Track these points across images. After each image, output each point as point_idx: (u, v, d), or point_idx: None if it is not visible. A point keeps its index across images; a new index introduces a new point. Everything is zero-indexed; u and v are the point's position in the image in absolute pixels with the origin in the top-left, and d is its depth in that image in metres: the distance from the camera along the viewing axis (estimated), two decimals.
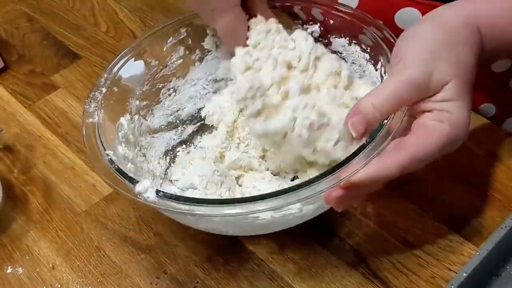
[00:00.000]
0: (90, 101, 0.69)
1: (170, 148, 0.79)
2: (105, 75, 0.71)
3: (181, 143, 0.79)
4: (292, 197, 0.56)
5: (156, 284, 0.68)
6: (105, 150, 0.64)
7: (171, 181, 0.75)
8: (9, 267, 0.70)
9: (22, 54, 0.97)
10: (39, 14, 1.04)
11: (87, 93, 0.87)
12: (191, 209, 0.58)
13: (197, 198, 0.62)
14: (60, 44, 0.98)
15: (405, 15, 0.78)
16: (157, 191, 0.59)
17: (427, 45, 0.60)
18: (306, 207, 0.61)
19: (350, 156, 0.58)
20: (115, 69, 0.72)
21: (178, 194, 0.69)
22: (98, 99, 0.69)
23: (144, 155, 0.74)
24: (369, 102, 0.57)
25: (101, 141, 0.65)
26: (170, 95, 0.78)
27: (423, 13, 0.77)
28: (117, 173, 0.62)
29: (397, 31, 0.78)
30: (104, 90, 0.70)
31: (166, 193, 0.59)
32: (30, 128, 0.86)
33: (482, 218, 0.70)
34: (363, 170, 0.56)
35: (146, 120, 0.76)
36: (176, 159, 0.78)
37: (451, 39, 0.60)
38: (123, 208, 0.75)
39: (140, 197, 0.59)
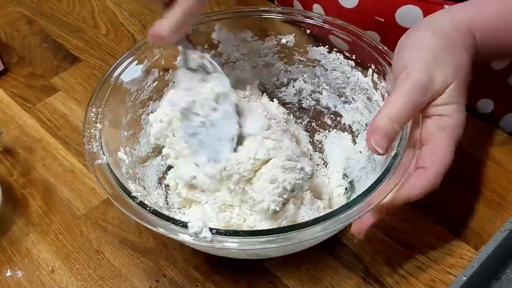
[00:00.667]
0: (89, 140, 0.66)
1: (161, 175, 0.76)
2: (94, 110, 0.68)
3: (169, 167, 0.74)
4: (332, 223, 0.57)
5: (156, 287, 0.68)
6: (130, 193, 0.61)
7: (175, 209, 0.73)
8: (9, 270, 0.70)
9: (22, 56, 0.97)
10: (39, 17, 1.04)
11: (87, 96, 0.89)
12: (245, 243, 0.57)
13: (253, 231, 0.60)
14: (60, 47, 0.98)
15: (406, 13, 0.79)
16: (211, 229, 0.57)
17: (427, 51, 0.62)
18: None
19: (377, 180, 0.59)
20: (103, 102, 0.69)
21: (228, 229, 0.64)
22: (97, 136, 0.66)
23: (144, 187, 0.71)
24: (385, 116, 0.59)
25: (121, 183, 0.62)
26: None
27: (424, 11, 0.77)
28: (155, 216, 0.58)
29: (398, 29, 0.79)
30: (99, 126, 0.67)
31: (220, 230, 0.57)
32: (29, 131, 0.85)
33: (481, 221, 0.70)
34: (393, 195, 0.58)
35: (135, 150, 0.74)
36: (170, 185, 0.75)
37: (448, 43, 0.63)
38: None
39: (196, 239, 0.57)
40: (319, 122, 0.81)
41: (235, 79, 0.77)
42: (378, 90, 0.70)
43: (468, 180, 0.74)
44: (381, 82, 0.69)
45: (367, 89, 0.72)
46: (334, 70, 0.76)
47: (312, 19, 0.76)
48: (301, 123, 0.82)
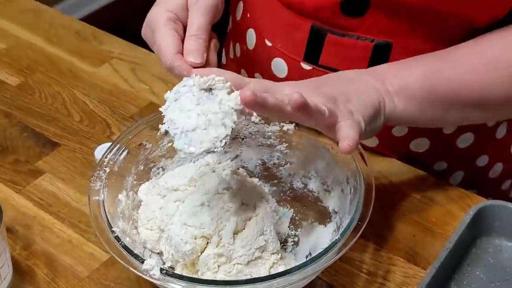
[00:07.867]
0: (95, 180, 0.79)
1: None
2: (109, 156, 0.82)
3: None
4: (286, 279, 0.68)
5: None
6: (111, 227, 0.75)
7: (159, 253, 0.83)
8: None
9: (5, 146, 1.05)
10: (15, 110, 1.12)
11: (72, 175, 0.99)
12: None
13: (200, 279, 0.72)
14: (39, 135, 1.07)
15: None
16: (161, 269, 0.69)
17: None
18: None
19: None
20: (117, 151, 0.83)
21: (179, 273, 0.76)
22: (102, 178, 0.80)
23: (136, 228, 0.83)
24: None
25: (107, 218, 0.76)
26: (158, 173, 0.89)
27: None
28: (124, 249, 0.72)
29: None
30: (107, 170, 0.81)
31: (169, 271, 0.70)
32: (24, 209, 0.93)
33: (426, 247, 0.85)
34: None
35: (138, 196, 0.86)
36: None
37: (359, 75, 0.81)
38: (122, 270, 0.84)
39: (146, 274, 0.69)
40: (303, 204, 0.89)
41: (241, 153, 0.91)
42: (349, 184, 0.80)
43: (411, 215, 0.90)
44: (352, 177, 0.79)
45: (342, 182, 0.82)
46: (321, 160, 0.85)
47: None
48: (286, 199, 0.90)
